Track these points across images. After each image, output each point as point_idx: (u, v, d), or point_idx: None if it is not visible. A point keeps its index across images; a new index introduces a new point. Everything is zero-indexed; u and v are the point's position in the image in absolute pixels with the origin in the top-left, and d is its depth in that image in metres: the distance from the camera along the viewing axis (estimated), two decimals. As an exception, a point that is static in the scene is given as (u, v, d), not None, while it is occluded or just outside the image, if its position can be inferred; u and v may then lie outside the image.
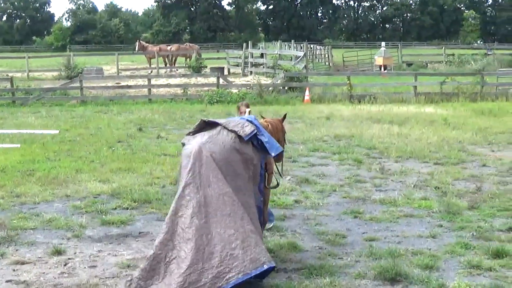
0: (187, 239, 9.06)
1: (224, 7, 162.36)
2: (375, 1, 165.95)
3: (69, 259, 10.96)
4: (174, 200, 9.47)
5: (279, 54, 51.53)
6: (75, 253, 11.29)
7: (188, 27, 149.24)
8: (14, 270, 10.42)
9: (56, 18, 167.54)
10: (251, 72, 53.66)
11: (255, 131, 10.08)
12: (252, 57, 56.68)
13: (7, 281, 9.93)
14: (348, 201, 14.59)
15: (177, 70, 60.02)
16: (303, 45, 50.65)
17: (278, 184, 11.45)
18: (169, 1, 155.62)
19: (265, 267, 9.07)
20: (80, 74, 45.30)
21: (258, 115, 11.72)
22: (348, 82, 36.86)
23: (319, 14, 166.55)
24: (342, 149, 20.62)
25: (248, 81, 45.31)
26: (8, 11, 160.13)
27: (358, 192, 15.33)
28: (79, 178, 16.69)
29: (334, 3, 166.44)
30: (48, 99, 36.35)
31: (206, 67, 57.11)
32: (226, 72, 55.47)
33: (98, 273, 10.31)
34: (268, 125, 11.50)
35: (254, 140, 10.10)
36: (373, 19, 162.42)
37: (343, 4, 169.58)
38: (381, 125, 25.61)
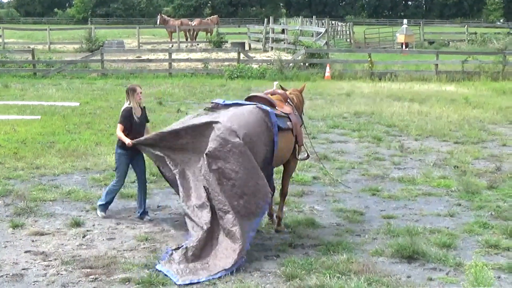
0: (225, 211, 9.83)
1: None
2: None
3: (87, 231, 11.06)
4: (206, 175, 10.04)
5: (300, 30, 51.19)
6: (93, 225, 11.38)
7: (210, 1, 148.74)
8: (33, 241, 10.52)
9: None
10: (272, 48, 53.45)
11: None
12: (273, 32, 56.41)
13: (26, 252, 10.03)
14: (367, 179, 14.59)
15: (198, 44, 59.90)
16: (325, 22, 50.15)
17: (308, 156, 11.56)
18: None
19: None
20: (101, 47, 45.36)
21: (279, 86, 11.79)
22: (369, 59, 36.68)
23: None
24: (361, 126, 20.58)
25: (268, 56, 45.18)
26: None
27: (377, 170, 15.32)
28: (99, 151, 16.76)
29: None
30: (69, 71, 36.39)
31: (227, 42, 56.94)
32: (247, 47, 55.25)
33: (116, 245, 10.39)
34: (294, 97, 11.61)
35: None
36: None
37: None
38: (402, 103, 25.50)
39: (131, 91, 11.63)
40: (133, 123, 11.54)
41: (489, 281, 7.81)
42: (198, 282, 9.01)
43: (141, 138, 11.28)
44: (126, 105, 11.74)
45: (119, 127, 11.63)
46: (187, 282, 8.97)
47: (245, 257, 9.55)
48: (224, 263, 9.40)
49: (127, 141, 11.42)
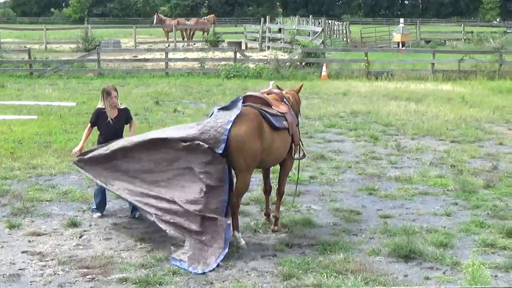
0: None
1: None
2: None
3: (84, 231, 11.06)
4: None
5: (297, 30, 51.17)
6: (90, 225, 11.38)
7: (206, 1, 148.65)
8: (29, 241, 10.52)
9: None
10: (268, 47, 53.41)
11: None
12: (270, 32, 56.43)
13: (22, 252, 10.03)
14: (364, 178, 14.59)
15: (194, 44, 59.89)
16: (321, 21, 50.25)
17: (304, 155, 11.57)
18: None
19: None
20: (98, 46, 45.27)
21: (275, 86, 11.80)
22: (365, 58, 36.64)
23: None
24: (358, 125, 20.59)
25: (265, 56, 45.16)
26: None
27: (374, 169, 15.32)
28: (95, 151, 16.72)
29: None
30: (66, 71, 36.31)
31: (224, 41, 56.95)
32: (243, 47, 55.29)
33: (113, 245, 10.39)
34: (289, 97, 11.62)
35: None
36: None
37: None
38: (398, 102, 25.52)
39: (105, 94, 11.85)
40: (103, 124, 11.86)
41: (486, 280, 7.80)
42: (213, 270, 9.38)
43: (85, 157, 11.50)
44: (99, 105, 12.01)
45: (88, 126, 12.18)
46: (207, 270, 9.32)
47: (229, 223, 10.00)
48: (218, 244, 9.75)
49: (76, 148, 12.03)
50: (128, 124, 12.20)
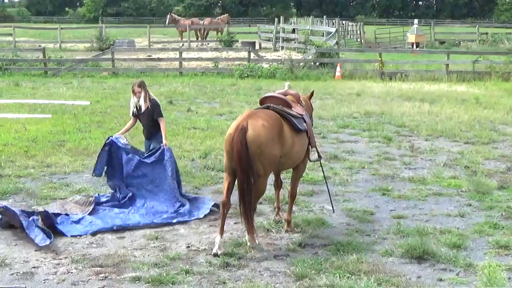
0: None
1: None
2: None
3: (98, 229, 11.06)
4: None
5: (311, 30, 51.11)
6: (103, 223, 11.37)
7: (220, 1, 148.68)
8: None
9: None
10: (282, 47, 53.38)
11: None
12: (284, 32, 56.39)
13: (36, 250, 10.04)
14: (377, 178, 14.56)
15: (208, 43, 59.92)
16: (335, 21, 50.12)
17: (320, 157, 11.48)
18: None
19: None
20: (112, 46, 45.38)
21: (291, 86, 11.77)
22: (379, 59, 36.58)
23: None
24: (372, 126, 20.54)
25: (279, 56, 45.18)
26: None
27: (387, 170, 15.28)
28: (109, 150, 16.75)
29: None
30: (80, 70, 36.39)
31: (238, 41, 56.95)
32: (257, 47, 55.24)
33: (126, 244, 10.41)
34: (302, 101, 11.57)
35: None
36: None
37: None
38: (412, 103, 25.44)
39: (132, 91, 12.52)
40: (137, 115, 12.61)
41: (502, 282, 7.78)
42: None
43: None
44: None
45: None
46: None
47: None
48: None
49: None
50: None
